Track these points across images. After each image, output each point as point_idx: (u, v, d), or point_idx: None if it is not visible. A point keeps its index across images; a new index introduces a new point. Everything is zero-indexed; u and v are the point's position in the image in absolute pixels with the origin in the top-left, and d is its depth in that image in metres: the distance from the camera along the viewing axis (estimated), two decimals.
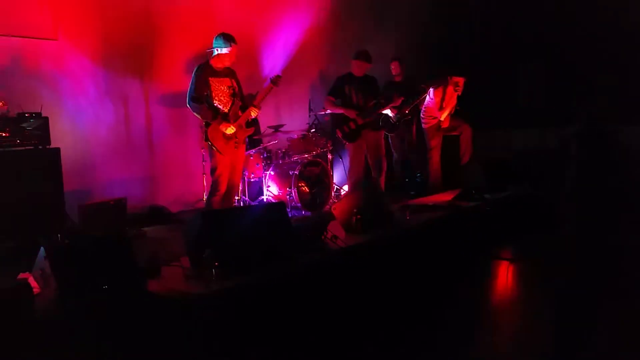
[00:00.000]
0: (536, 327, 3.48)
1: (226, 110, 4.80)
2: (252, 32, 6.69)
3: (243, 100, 5.00)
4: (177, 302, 2.98)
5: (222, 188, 4.84)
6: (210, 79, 4.73)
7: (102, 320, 2.84)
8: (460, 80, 6.36)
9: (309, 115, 6.76)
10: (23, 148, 4.54)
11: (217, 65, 4.79)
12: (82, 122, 5.41)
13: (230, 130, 4.75)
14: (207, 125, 4.75)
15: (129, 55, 5.73)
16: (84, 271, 3.07)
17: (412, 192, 6.58)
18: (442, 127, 6.47)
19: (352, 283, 3.84)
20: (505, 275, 4.51)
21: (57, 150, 4.70)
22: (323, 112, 6.68)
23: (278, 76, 5.03)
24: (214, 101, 4.75)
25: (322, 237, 4.09)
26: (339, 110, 5.84)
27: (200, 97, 4.70)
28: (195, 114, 4.77)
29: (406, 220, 4.80)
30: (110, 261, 3.17)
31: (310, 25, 7.38)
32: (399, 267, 4.20)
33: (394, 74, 7.08)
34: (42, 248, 3.10)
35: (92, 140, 5.48)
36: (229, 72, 4.88)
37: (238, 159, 4.97)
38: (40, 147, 4.62)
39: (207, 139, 4.76)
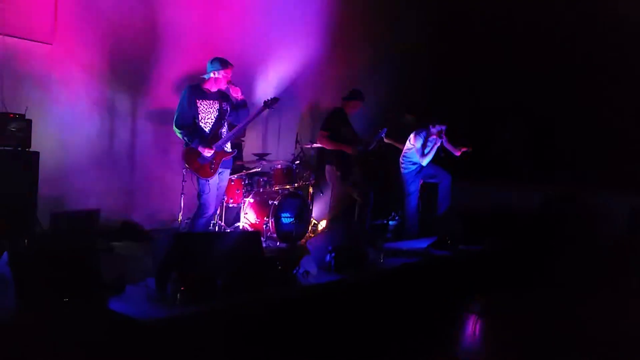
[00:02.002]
0: None
1: (207, 133, 4.76)
2: (247, 59, 6.73)
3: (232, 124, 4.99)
4: (137, 324, 2.91)
5: (208, 212, 4.79)
6: (198, 101, 4.71)
7: (58, 332, 2.75)
8: (443, 128, 6.47)
9: (295, 147, 6.79)
10: (2, 148, 4.46)
11: (210, 88, 4.79)
12: (66, 129, 5.34)
13: (207, 153, 4.69)
14: (186, 145, 4.72)
15: (122, 68, 5.72)
16: (46, 281, 2.99)
17: (388, 235, 6.60)
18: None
19: (319, 321, 3.79)
20: (472, 329, 4.50)
21: (37, 154, 4.63)
22: (309, 146, 6.73)
23: (275, 99, 4.93)
24: (201, 123, 4.73)
25: (294, 271, 4.06)
26: (338, 147, 5.88)
27: (185, 123, 4.67)
28: (178, 136, 4.77)
29: (380, 263, 4.79)
30: (74, 273, 3.10)
31: (305, 58, 7.48)
32: (368, 310, 4.17)
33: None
34: (5, 253, 3.02)
35: (74, 148, 5.40)
36: (220, 95, 4.84)
37: (220, 182, 4.93)
38: (19, 148, 4.55)
39: (184, 162, 4.74)
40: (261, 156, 6.22)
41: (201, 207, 4.77)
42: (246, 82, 6.83)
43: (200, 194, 4.77)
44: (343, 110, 6.04)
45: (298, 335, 3.58)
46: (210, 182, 4.74)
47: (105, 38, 5.57)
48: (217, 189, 4.89)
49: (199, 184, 4.78)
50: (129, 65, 5.79)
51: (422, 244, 5.54)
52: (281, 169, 6.19)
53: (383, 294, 4.41)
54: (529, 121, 8.40)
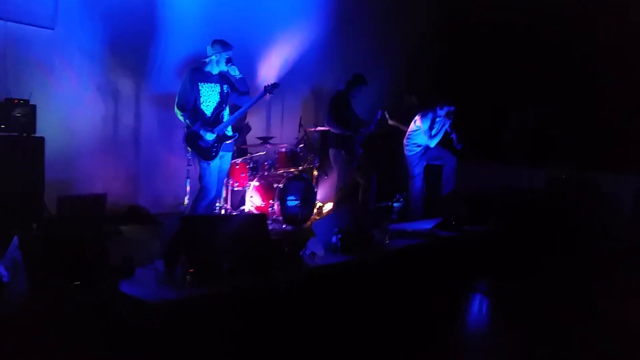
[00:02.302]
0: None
1: (209, 116, 4.76)
2: (249, 41, 6.70)
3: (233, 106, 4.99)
4: (147, 306, 2.95)
5: (210, 195, 4.81)
6: (199, 83, 4.69)
7: (70, 315, 2.79)
8: (452, 109, 6.45)
9: (299, 131, 6.79)
10: (7, 134, 4.47)
11: (211, 70, 4.78)
12: (70, 114, 5.35)
13: (209, 136, 4.71)
14: (187, 129, 4.72)
15: (125, 53, 5.71)
16: (56, 265, 3.02)
17: (393, 217, 6.62)
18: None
19: (326, 301, 3.83)
20: (478, 308, 4.54)
21: (42, 139, 4.64)
22: (313, 129, 6.73)
23: (275, 84, 4.91)
24: (202, 105, 4.72)
25: (301, 253, 4.08)
26: (342, 130, 5.91)
27: (187, 106, 4.67)
28: (180, 119, 4.77)
29: (385, 244, 4.82)
30: (84, 257, 3.13)
31: (308, 41, 7.44)
32: (374, 290, 4.21)
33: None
34: (15, 237, 3.04)
35: (79, 133, 5.42)
36: (221, 77, 4.84)
37: (222, 166, 4.94)
38: (24, 134, 4.56)
39: (186, 144, 4.74)
40: (265, 140, 6.23)
41: (203, 190, 4.79)
42: (248, 65, 6.80)
43: (201, 177, 4.79)
44: (346, 93, 6.04)
45: (305, 316, 3.62)
46: (211, 165, 4.76)
47: (106, 22, 5.55)
48: (219, 172, 4.91)
49: (200, 167, 4.78)
50: (131, 49, 5.78)
51: (427, 225, 5.56)
52: (285, 152, 6.19)
53: (389, 274, 4.45)
54: (533, 106, 8.34)
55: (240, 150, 6.06)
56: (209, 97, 4.74)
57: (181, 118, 4.72)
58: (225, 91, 4.83)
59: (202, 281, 3.27)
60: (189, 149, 4.75)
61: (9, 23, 4.90)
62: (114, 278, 3.18)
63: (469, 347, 3.82)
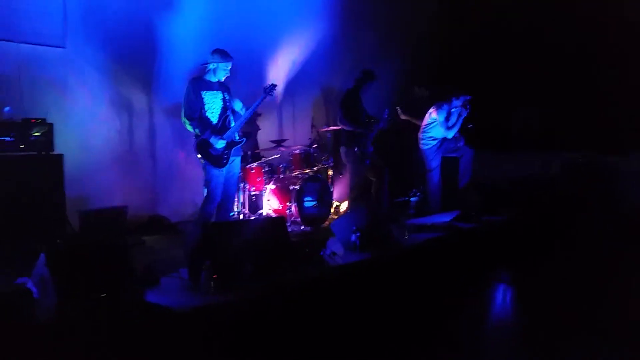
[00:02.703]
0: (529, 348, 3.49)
1: (216, 123, 4.81)
2: (257, 47, 6.75)
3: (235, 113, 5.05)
4: (175, 314, 2.99)
5: (216, 199, 4.85)
6: (202, 92, 4.74)
7: (99, 328, 2.84)
8: (468, 98, 6.43)
9: (311, 131, 6.81)
10: (27, 153, 4.55)
11: (210, 79, 4.83)
12: (86, 129, 5.43)
13: (220, 144, 4.75)
14: (197, 137, 4.77)
15: (134, 66, 5.78)
16: (83, 278, 3.08)
17: (411, 211, 6.61)
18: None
19: (349, 300, 3.85)
20: (502, 298, 4.52)
21: (60, 156, 4.72)
22: (325, 129, 6.75)
23: (273, 85, 4.99)
24: (207, 113, 4.77)
25: (321, 253, 4.11)
26: (354, 128, 5.94)
27: (194, 115, 4.71)
28: (188, 129, 4.81)
29: (405, 240, 4.82)
30: (109, 269, 3.18)
31: (316, 41, 7.46)
32: (397, 286, 4.21)
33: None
34: (42, 254, 3.11)
35: (96, 148, 5.50)
36: (221, 85, 4.89)
37: (232, 171, 4.98)
38: (43, 153, 4.64)
39: (197, 153, 4.79)
40: (279, 142, 6.26)
41: (210, 195, 4.82)
42: (257, 70, 6.85)
43: (208, 182, 4.82)
44: (356, 90, 6.06)
45: (331, 315, 3.64)
46: (219, 171, 4.80)
47: (114, 37, 5.62)
48: (231, 177, 4.94)
49: (209, 173, 4.80)
50: (140, 62, 5.85)
51: (446, 218, 5.55)
52: (299, 153, 6.22)
53: (410, 269, 4.45)
54: (544, 91, 8.26)
55: (254, 155, 6.10)
56: (213, 104, 4.79)
57: (189, 128, 4.77)
58: (227, 97, 4.89)
59: (226, 286, 3.31)
60: (199, 156, 4.79)
61: (21, 45, 5.00)
62: (140, 288, 3.23)
63: (492, 339, 3.80)
